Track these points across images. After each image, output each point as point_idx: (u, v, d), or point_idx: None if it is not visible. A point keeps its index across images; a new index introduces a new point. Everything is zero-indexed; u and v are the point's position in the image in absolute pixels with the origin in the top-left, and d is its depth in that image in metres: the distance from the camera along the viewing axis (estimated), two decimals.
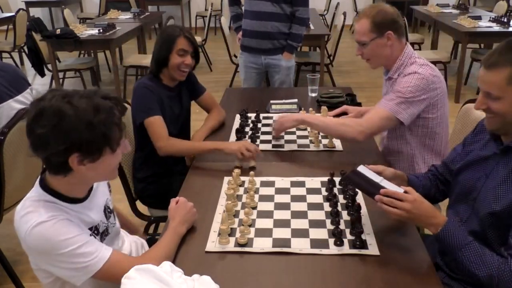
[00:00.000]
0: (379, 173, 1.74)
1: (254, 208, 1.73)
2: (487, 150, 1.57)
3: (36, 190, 1.36)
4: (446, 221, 1.42)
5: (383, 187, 1.46)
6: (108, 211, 1.57)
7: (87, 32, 5.54)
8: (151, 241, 1.81)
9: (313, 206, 1.74)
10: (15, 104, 2.39)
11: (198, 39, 6.63)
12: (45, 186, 1.36)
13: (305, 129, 2.42)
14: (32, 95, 2.55)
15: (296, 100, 2.78)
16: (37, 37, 5.16)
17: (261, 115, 2.62)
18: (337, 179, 1.87)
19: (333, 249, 1.49)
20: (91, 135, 1.25)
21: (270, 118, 2.62)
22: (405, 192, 1.43)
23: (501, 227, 1.42)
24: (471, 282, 1.47)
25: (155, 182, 2.35)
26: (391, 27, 2.09)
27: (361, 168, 1.55)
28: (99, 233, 1.48)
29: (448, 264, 1.61)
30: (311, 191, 1.85)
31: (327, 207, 1.73)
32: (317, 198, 1.79)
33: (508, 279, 1.31)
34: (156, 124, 2.18)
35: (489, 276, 1.34)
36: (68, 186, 1.36)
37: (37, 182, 1.38)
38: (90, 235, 1.40)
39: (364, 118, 2.11)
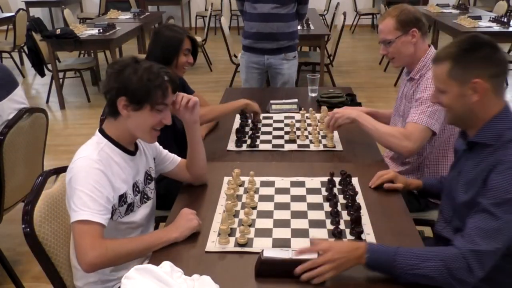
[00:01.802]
0: (391, 181, 1.81)
1: (254, 208, 1.73)
2: (458, 148, 1.61)
3: (97, 135, 1.63)
4: (367, 243, 1.39)
5: (296, 260, 1.34)
6: (148, 178, 1.76)
7: (87, 32, 5.54)
8: None
9: (313, 206, 1.74)
10: (10, 104, 2.38)
11: (198, 39, 6.63)
12: (102, 133, 1.62)
13: (305, 129, 2.42)
14: (22, 91, 2.53)
15: (296, 100, 2.78)
16: (37, 37, 5.17)
17: (261, 115, 2.62)
18: (337, 179, 1.87)
19: None
20: (138, 86, 1.53)
21: (270, 118, 2.62)
22: (318, 253, 1.35)
23: None
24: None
25: (156, 183, 2.35)
26: (416, 25, 2.13)
27: (266, 252, 1.38)
28: (140, 191, 1.69)
29: None
30: (311, 191, 1.85)
31: (327, 207, 1.73)
32: (317, 198, 1.79)
33: (458, 263, 1.28)
34: None
35: (436, 268, 1.29)
36: (117, 131, 1.61)
37: (97, 132, 1.64)
38: (122, 196, 1.59)
39: (409, 132, 2.03)
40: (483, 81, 1.41)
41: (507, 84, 5.85)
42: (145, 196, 1.73)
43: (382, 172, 1.87)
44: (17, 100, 2.44)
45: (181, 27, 2.41)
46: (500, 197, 1.33)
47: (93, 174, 1.49)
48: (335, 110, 2.23)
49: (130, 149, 1.67)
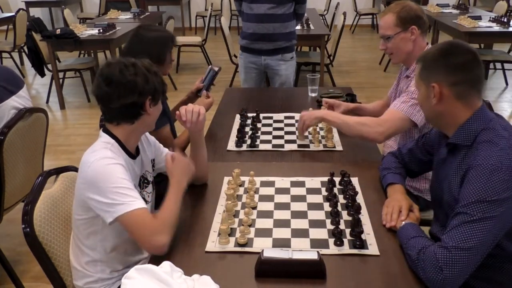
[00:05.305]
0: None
1: (254, 208, 1.73)
2: (443, 152, 1.61)
3: (103, 136, 1.62)
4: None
5: (296, 260, 1.36)
6: (145, 181, 1.76)
7: (87, 32, 5.54)
8: None
9: (313, 206, 1.74)
10: (15, 103, 2.38)
11: (198, 39, 6.63)
12: (108, 133, 1.62)
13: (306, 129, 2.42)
14: (27, 92, 2.54)
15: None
16: (37, 37, 5.17)
17: (261, 115, 2.62)
18: (337, 179, 1.87)
19: (333, 249, 1.49)
20: (156, 80, 1.60)
21: (270, 118, 2.62)
22: (318, 252, 1.43)
23: None
24: (469, 283, 1.47)
25: (157, 184, 2.35)
26: (416, 23, 2.14)
27: (266, 252, 1.39)
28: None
29: None
30: (311, 191, 1.85)
31: (327, 207, 1.73)
32: (317, 198, 1.79)
33: (427, 260, 1.33)
34: (167, 134, 2.23)
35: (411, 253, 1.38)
36: (126, 134, 1.62)
37: (101, 132, 1.64)
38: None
39: (382, 119, 2.11)
40: (441, 86, 1.47)
41: (506, 84, 5.90)
42: (144, 200, 1.71)
43: (392, 210, 1.62)
44: (24, 97, 2.45)
45: (158, 26, 2.46)
46: (467, 200, 1.34)
47: (117, 169, 1.52)
48: (302, 113, 2.25)
49: (132, 153, 1.67)
